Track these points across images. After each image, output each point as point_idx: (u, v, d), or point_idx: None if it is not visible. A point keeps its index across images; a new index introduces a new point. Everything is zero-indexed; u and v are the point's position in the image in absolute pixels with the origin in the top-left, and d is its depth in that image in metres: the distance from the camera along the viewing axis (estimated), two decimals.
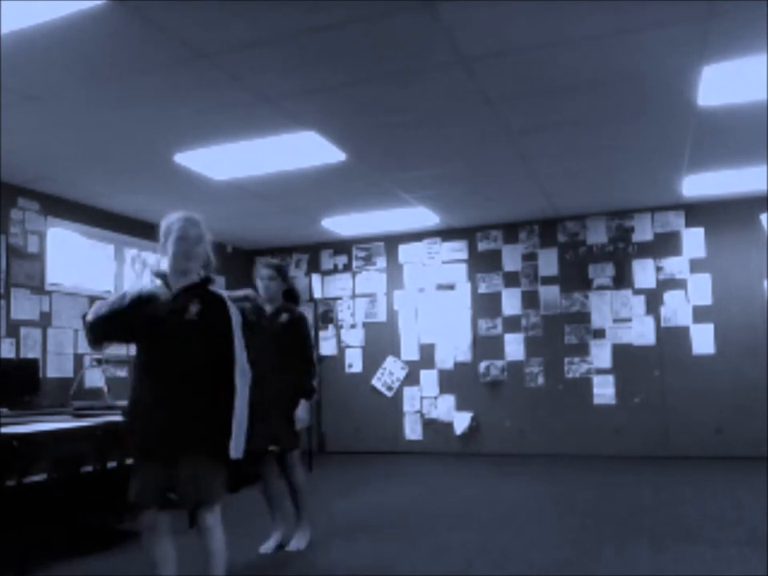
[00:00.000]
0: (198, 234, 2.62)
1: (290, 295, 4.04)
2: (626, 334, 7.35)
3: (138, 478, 2.50)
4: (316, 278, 8.65)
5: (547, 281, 7.71)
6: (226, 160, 5.18)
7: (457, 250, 8.12)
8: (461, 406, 7.86)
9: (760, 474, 5.73)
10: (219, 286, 2.72)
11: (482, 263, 7.99)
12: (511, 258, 7.88)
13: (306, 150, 5.01)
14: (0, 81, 3.66)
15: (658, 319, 7.26)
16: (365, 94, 4.11)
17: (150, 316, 2.48)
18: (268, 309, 3.69)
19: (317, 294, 8.62)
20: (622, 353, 7.34)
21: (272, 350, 3.59)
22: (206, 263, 2.64)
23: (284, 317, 3.86)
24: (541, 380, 7.61)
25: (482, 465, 7.03)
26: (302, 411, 3.79)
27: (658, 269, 7.31)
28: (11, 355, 5.52)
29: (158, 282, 2.61)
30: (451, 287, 8.10)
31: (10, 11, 2.98)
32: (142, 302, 2.48)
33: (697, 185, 6.40)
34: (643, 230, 7.41)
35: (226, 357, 2.45)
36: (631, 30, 3.40)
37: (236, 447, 2.47)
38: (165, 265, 2.62)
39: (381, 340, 8.28)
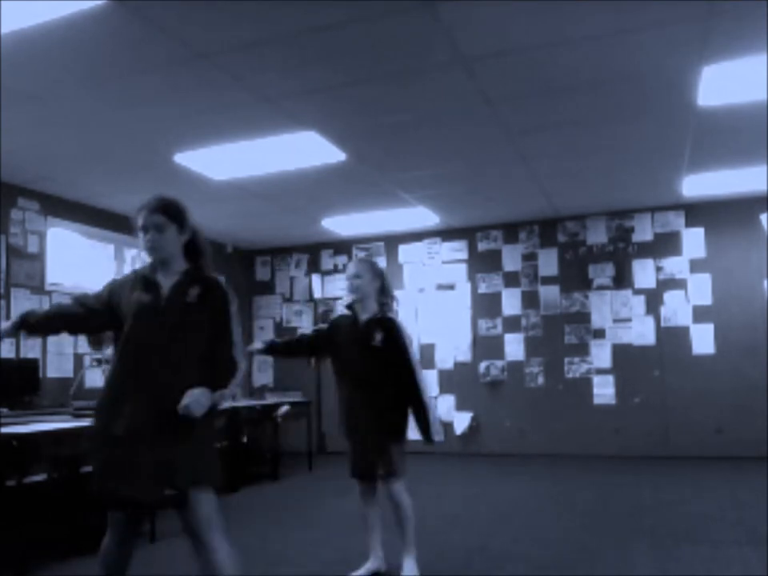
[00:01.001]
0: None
1: (194, 250, 2.44)
2: (626, 333, 7.35)
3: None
4: (316, 278, 8.65)
5: (547, 281, 7.71)
6: (226, 160, 5.18)
7: (457, 249, 8.12)
8: (461, 406, 7.86)
9: (760, 473, 5.72)
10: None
11: (481, 263, 7.99)
12: (511, 258, 7.88)
13: (306, 150, 5.01)
14: (0, 81, 3.67)
15: (658, 319, 7.26)
16: (365, 94, 4.11)
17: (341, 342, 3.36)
18: (162, 282, 2.35)
19: (317, 294, 8.62)
20: (622, 353, 7.34)
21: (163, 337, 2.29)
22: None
23: (194, 290, 2.34)
24: (541, 380, 7.61)
25: (482, 465, 7.03)
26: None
27: (658, 269, 7.31)
28: (11, 355, 5.52)
29: (347, 311, 3.42)
30: (451, 287, 8.10)
31: (10, 11, 2.98)
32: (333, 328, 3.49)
33: (697, 185, 6.40)
34: (643, 230, 7.41)
35: (402, 371, 3.22)
36: (631, 29, 3.40)
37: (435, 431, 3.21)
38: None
39: None
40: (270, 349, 3.54)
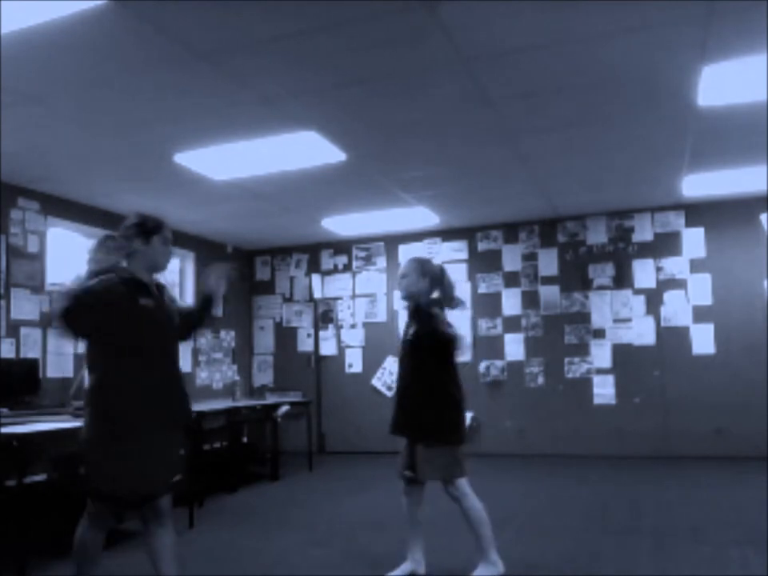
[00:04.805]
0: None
1: None
2: (626, 334, 7.35)
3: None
4: (316, 278, 8.65)
5: (547, 281, 7.71)
6: (226, 160, 5.17)
7: (457, 250, 8.11)
8: None
9: (760, 474, 5.72)
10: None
11: (482, 263, 7.99)
12: (511, 258, 7.88)
13: (306, 149, 5.00)
14: (0, 81, 3.67)
15: (657, 319, 7.25)
16: (365, 94, 4.11)
17: None
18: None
19: (317, 294, 8.61)
20: (622, 353, 7.34)
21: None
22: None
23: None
24: (541, 380, 7.61)
25: (482, 465, 7.02)
26: None
27: (658, 269, 7.31)
28: (11, 355, 5.51)
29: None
30: None
31: (10, 11, 2.98)
32: None
33: (697, 185, 6.40)
34: (643, 230, 7.41)
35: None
36: (631, 30, 3.40)
37: None
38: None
39: (381, 340, 8.27)
40: None
